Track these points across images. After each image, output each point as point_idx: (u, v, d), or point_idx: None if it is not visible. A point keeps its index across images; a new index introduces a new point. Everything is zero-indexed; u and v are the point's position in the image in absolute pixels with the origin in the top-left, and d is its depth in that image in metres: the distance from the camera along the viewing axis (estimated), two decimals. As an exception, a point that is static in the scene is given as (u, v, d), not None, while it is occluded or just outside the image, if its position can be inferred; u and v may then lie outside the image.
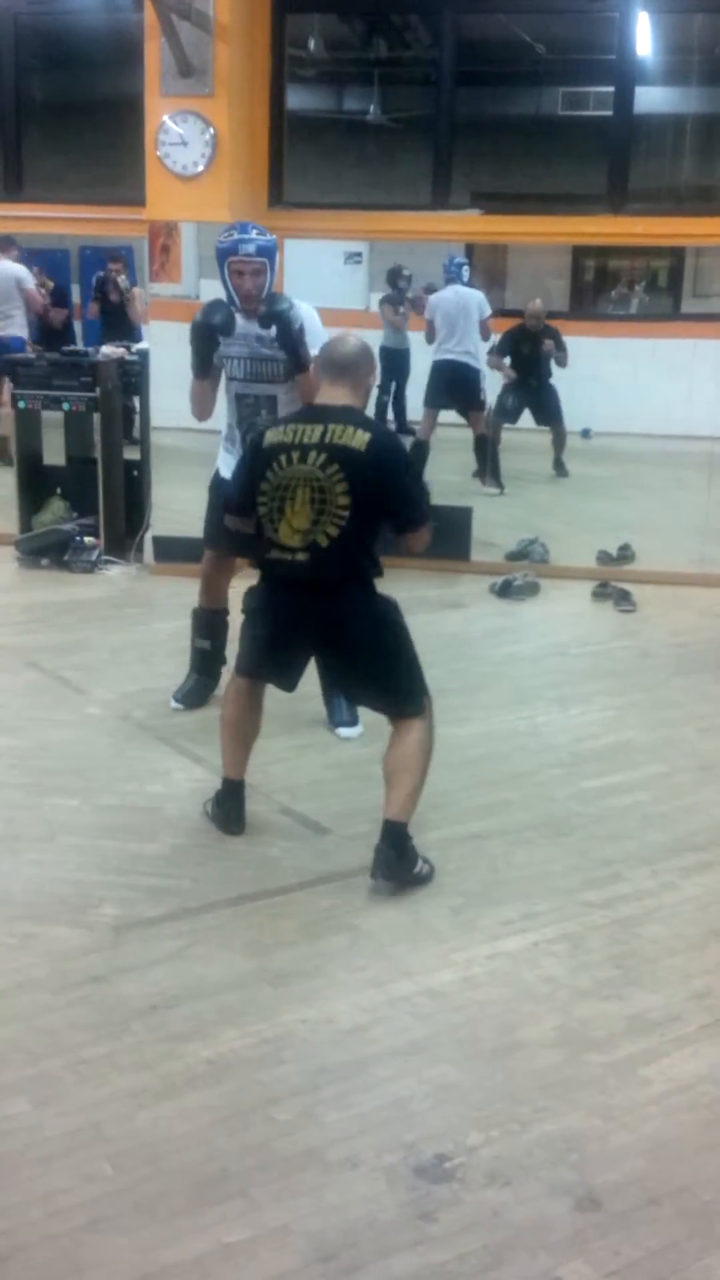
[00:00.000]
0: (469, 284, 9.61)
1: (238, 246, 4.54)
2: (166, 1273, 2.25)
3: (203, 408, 4.81)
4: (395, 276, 10.88)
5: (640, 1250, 2.32)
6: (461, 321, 9.33)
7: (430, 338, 9.42)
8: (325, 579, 3.58)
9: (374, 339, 10.03)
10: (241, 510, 3.79)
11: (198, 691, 5.10)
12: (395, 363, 10.68)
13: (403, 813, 3.67)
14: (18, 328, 9.26)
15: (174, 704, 5.09)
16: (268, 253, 4.56)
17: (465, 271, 9.62)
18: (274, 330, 4.54)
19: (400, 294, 10.94)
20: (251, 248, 4.52)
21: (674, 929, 3.51)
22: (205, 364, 4.67)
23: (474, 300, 9.43)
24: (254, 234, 4.57)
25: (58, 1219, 2.37)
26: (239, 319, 4.62)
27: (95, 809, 4.18)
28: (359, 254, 12.66)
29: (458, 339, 9.31)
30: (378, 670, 3.71)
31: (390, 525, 3.66)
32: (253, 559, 3.81)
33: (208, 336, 4.60)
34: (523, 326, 9.91)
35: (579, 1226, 2.38)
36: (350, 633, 3.65)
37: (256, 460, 3.66)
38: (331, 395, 3.66)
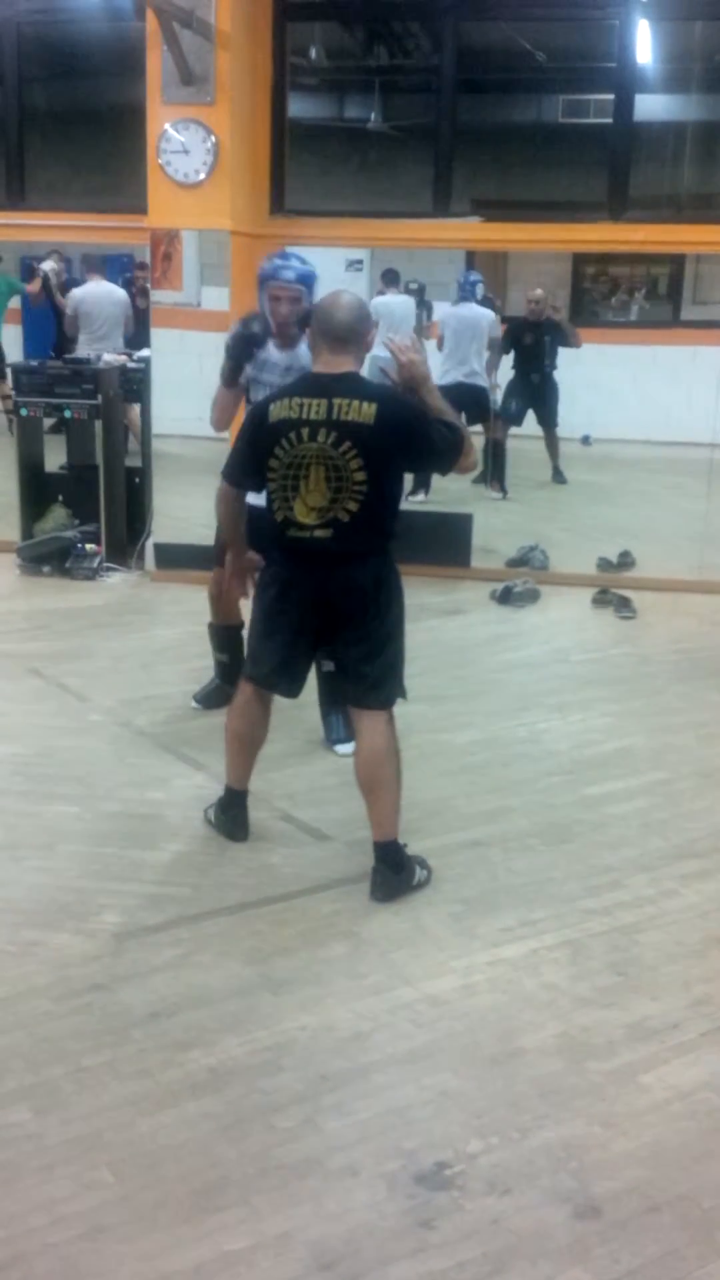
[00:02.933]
0: (483, 301, 9.65)
1: (278, 272, 4.55)
2: (167, 1280, 2.26)
3: (224, 417, 4.83)
4: (394, 279, 10.91)
5: (640, 1258, 2.33)
6: (467, 340, 9.37)
7: (440, 347, 9.47)
8: (351, 550, 3.53)
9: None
10: (235, 480, 3.75)
11: (217, 696, 5.11)
12: None
13: (391, 830, 3.67)
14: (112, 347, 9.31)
15: (194, 704, 5.13)
16: (307, 280, 4.56)
17: (479, 289, 9.66)
18: (300, 348, 4.54)
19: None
20: (291, 274, 4.54)
21: (674, 936, 3.51)
22: (237, 372, 4.68)
23: (485, 319, 9.48)
24: (295, 262, 4.59)
25: (59, 1227, 2.37)
26: (271, 347, 4.64)
27: (96, 816, 4.18)
28: (360, 261, 12.66)
29: (463, 359, 9.35)
30: (385, 643, 3.64)
31: (435, 470, 3.57)
32: (261, 544, 3.77)
33: (246, 345, 4.62)
34: (524, 318, 9.93)
35: (579, 1234, 2.39)
36: (372, 602, 3.59)
37: (260, 434, 3.57)
38: (333, 363, 3.53)
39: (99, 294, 9.61)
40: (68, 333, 9.91)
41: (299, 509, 3.51)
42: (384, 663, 3.66)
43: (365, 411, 3.44)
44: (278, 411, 3.53)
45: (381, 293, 10.20)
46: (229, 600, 5.00)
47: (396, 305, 9.95)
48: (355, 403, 3.44)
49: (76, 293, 9.74)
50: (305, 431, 3.47)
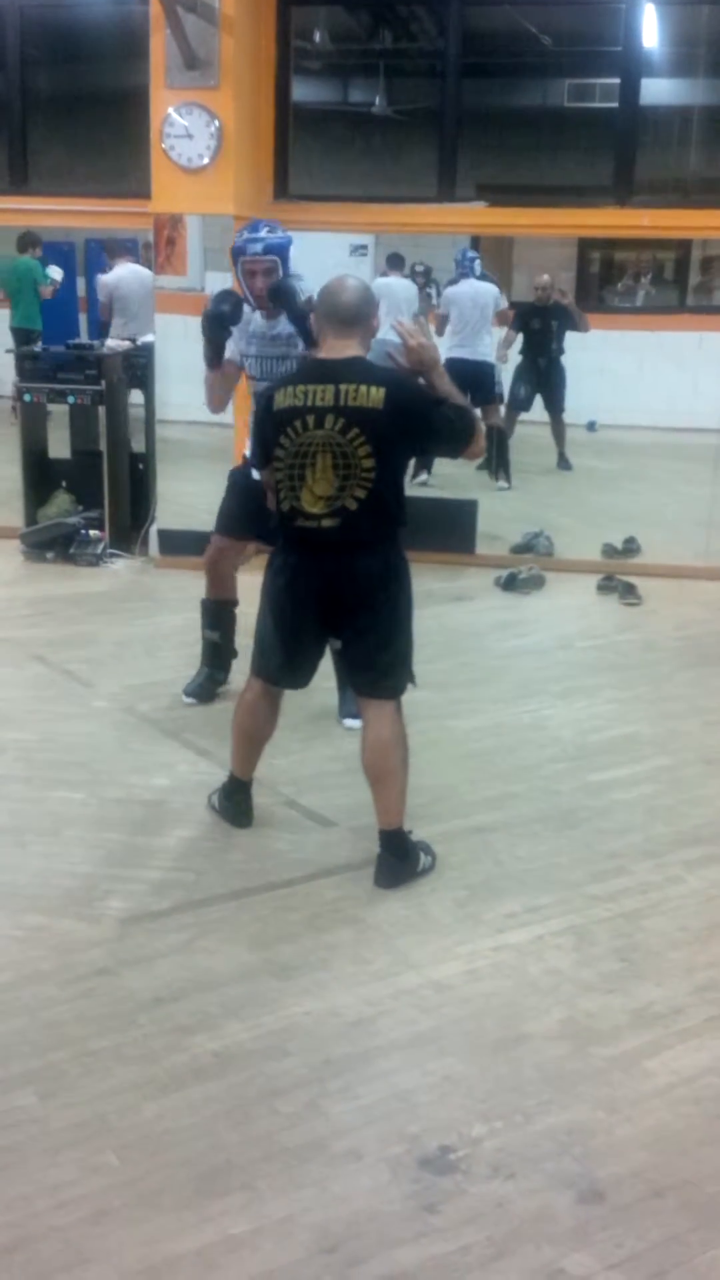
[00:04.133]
0: (482, 276, 9.60)
1: (246, 247, 4.55)
2: (171, 1264, 2.27)
3: (216, 399, 4.80)
4: (399, 264, 10.89)
5: (643, 1242, 2.33)
6: (475, 317, 9.33)
7: (440, 330, 9.43)
8: (359, 539, 3.49)
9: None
10: (266, 465, 3.68)
11: (207, 686, 5.11)
12: None
13: (396, 818, 3.67)
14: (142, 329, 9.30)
15: (186, 699, 5.09)
16: (277, 250, 4.55)
17: (477, 265, 9.62)
18: (283, 316, 4.54)
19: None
20: (259, 247, 4.53)
21: (678, 922, 3.51)
22: (217, 353, 4.64)
23: (489, 295, 9.45)
24: (264, 233, 4.57)
25: (64, 1210, 2.38)
26: (256, 318, 4.62)
27: (101, 802, 4.19)
28: (365, 246, 12.63)
29: (471, 336, 9.31)
30: (394, 631, 3.61)
31: (442, 454, 3.54)
32: (268, 536, 3.75)
33: (217, 324, 4.57)
34: (532, 303, 9.90)
35: (582, 1219, 2.39)
36: (381, 590, 3.56)
37: (267, 423, 3.55)
38: (339, 348, 3.49)
39: (130, 276, 9.57)
40: (103, 318, 9.88)
41: (306, 498, 3.46)
42: (394, 652, 3.64)
43: (374, 396, 3.38)
44: (282, 399, 3.49)
45: (384, 274, 10.19)
46: (223, 571, 4.99)
47: (398, 287, 9.96)
48: (363, 388, 3.39)
49: (109, 278, 9.69)
50: (311, 419, 3.42)
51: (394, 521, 3.56)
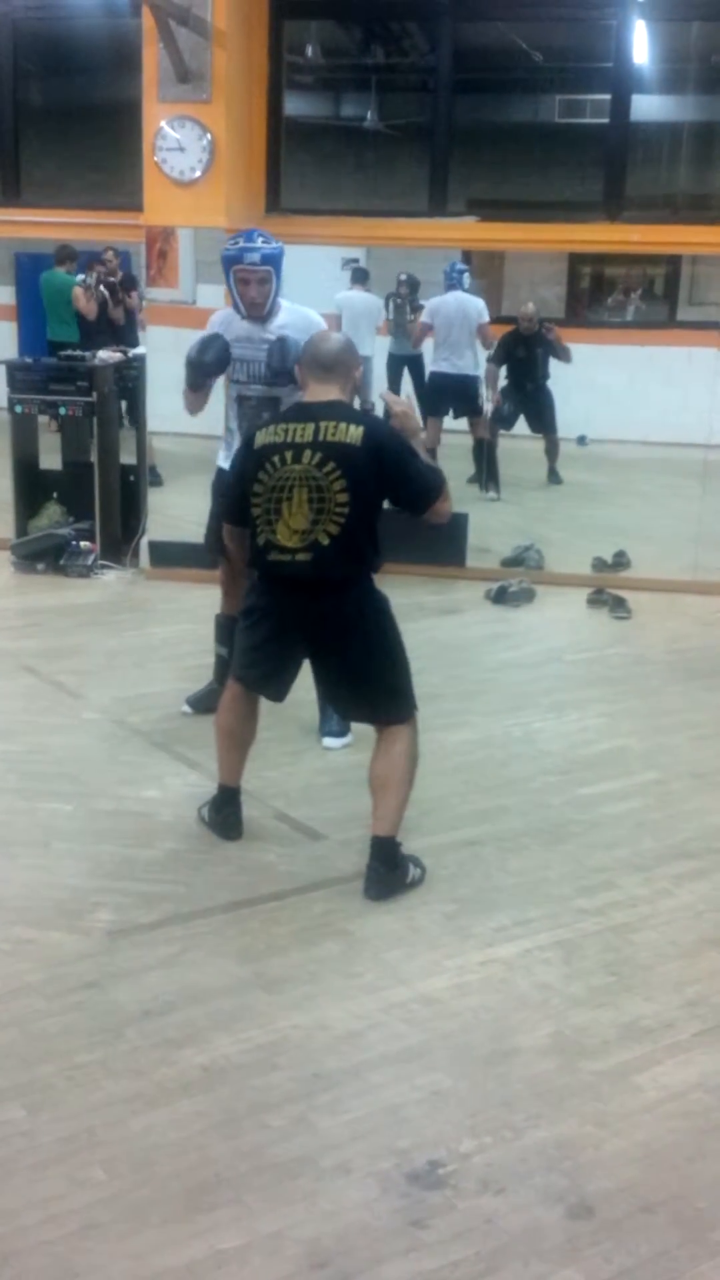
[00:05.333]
0: (469, 291, 9.64)
1: (242, 255, 4.57)
2: (160, 1278, 2.25)
3: (194, 408, 4.86)
4: (362, 278, 10.98)
5: (633, 1258, 2.33)
6: (459, 329, 9.36)
7: (418, 342, 9.49)
8: (329, 577, 3.55)
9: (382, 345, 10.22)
10: (234, 518, 3.78)
11: (208, 699, 5.10)
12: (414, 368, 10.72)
13: (392, 827, 3.68)
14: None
15: (184, 708, 5.09)
16: (272, 260, 4.58)
17: (466, 278, 9.66)
18: (270, 321, 4.59)
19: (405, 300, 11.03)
20: (256, 256, 4.55)
21: (668, 936, 3.52)
22: (196, 386, 4.73)
23: (474, 307, 9.47)
24: (259, 242, 4.59)
25: (51, 1225, 2.37)
26: (244, 324, 4.65)
27: (90, 814, 4.18)
28: (356, 260, 12.67)
29: (455, 349, 9.34)
30: (376, 671, 3.68)
31: (408, 509, 3.62)
32: (248, 562, 3.80)
33: (201, 373, 4.67)
34: (516, 331, 9.94)
35: (572, 1234, 2.39)
36: (355, 632, 3.63)
37: (247, 461, 3.64)
38: (320, 393, 3.63)
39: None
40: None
41: (281, 531, 3.53)
42: (385, 685, 3.71)
43: (353, 434, 3.49)
44: (263, 438, 3.61)
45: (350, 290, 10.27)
46: (238, 590, 4.98)
47: (358, 301, 10.02)
48: (342, 425, 3.51)
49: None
50: (289, 454, 3.51)
51: (364, 562, 3.62)
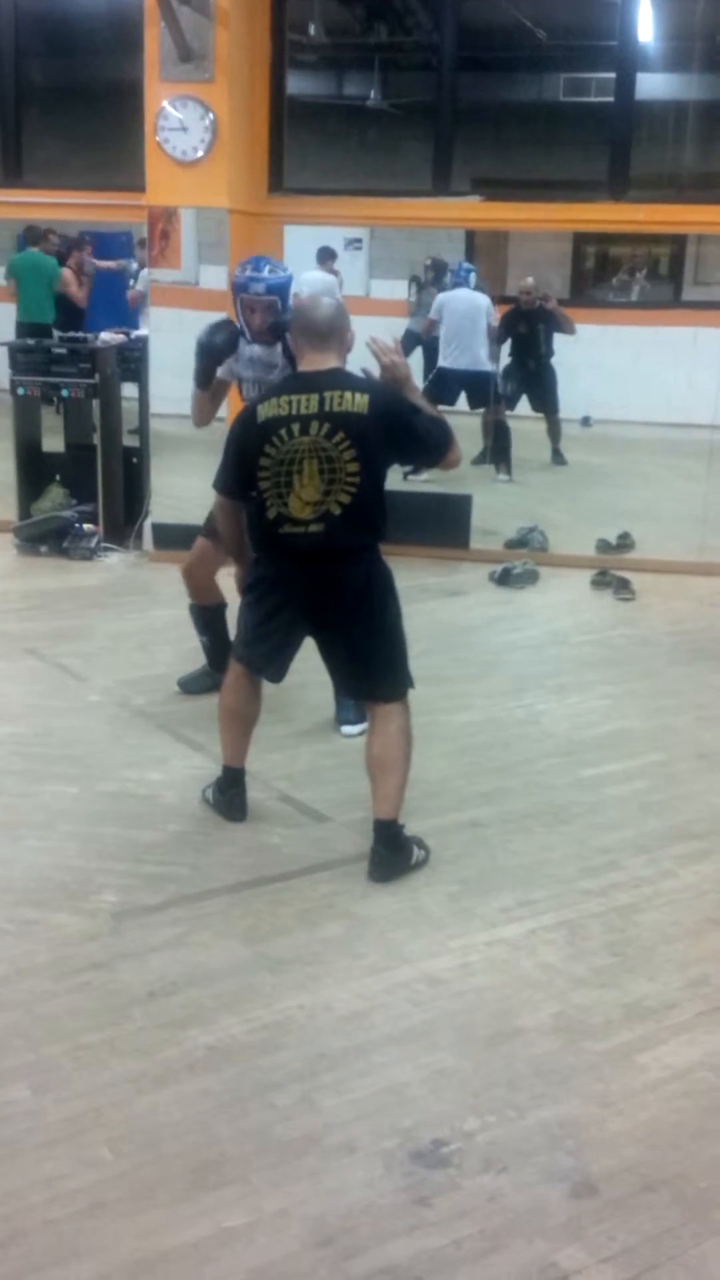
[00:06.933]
0: (477, 288, 9.65)
1: (249, 284, 4.55)
2: (166, 1257, 2.27)
3: (201, 416, 4.85)
4: (325, 256, 10.98)
5: (636, 1236, 2.34)
6: (468, 326, 9.37)
7: (428, 334, 9.48)
8: (343, 545, 3.55)
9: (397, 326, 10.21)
10: (233, 491, 3.74)
11: (199, 679, 5.11)
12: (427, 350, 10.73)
13: (394, 810, 3.69)
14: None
15: (176, 687, 5.12)
16: (278, 290, 4.56)
17: (473, 277, 9.68)
18: (279, 347, 4.55)
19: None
20: (261, 286, 4.54)
21: (671, 917, 3.52)
22: (207, 376, 4.69)
23: (483, 305, 9.48)
24: (266, 272, 4.57)
25: (57, 1204, 2.38)
26: (254, 347, 4.63)
27: (95, 796, 4.19)
28: (359, 240, 12.64)
29: (465, 346, 9.35)
30: (376, 644, 3.67)
31: (422, 462, 3.60)
32: (249, 542, 3.78)
33: (211, 356, 4.63)
34: (517, 307, 9.92)
35: (575, 1212, 2.40)
36: (362, 603, 3.62)
37: (250, 435, 3.58)
38: (318, 361, 3.57)
39: None
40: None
41: (294, 504, 3.51)
42: (386, 658, 3.70)
43: (358, 402, 3.47)
44: (266, 411, 3.55)
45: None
46: (202, 578, 4.98)
47: (316, 282, 10.01)
48: (347, 394, 3.48)
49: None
50: (296, 427, 3.48)
51: (375, 530, 3.62)
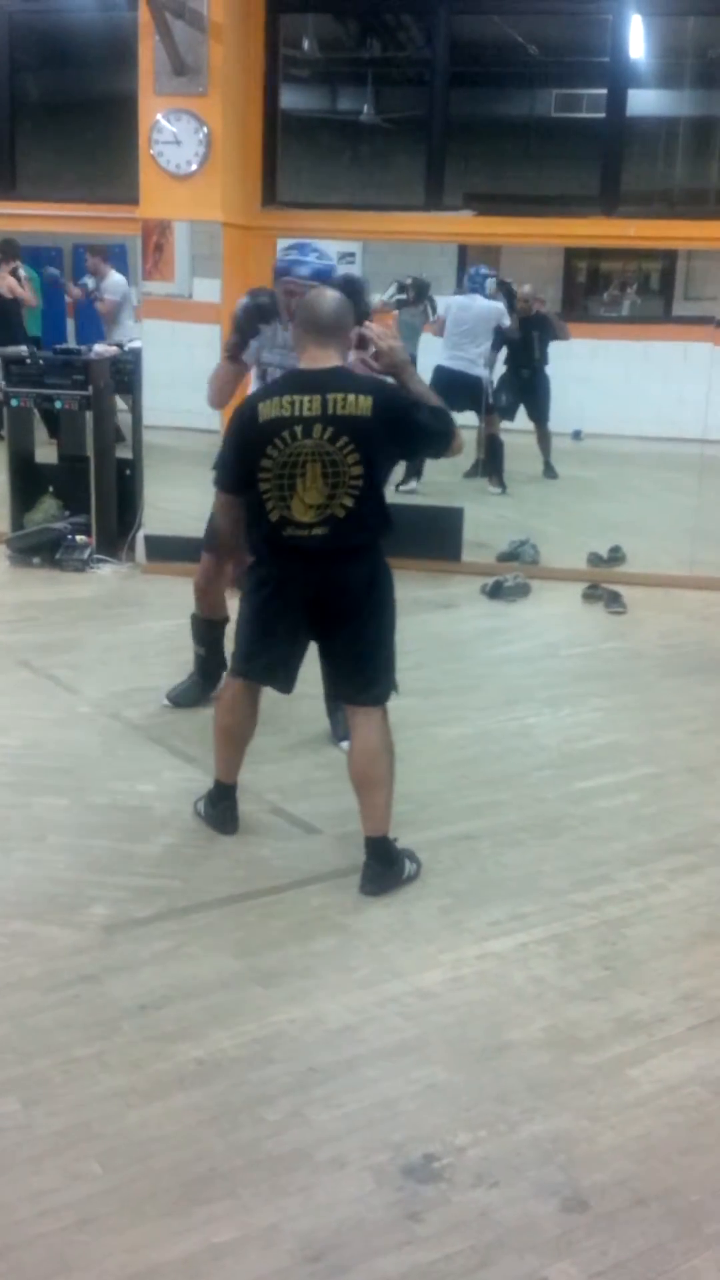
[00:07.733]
0: (491, 298, 9.62)
1: (292, 268, 4.44)
2: (155, 1272, 2.26)
3: (222, 394, 4.71)
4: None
5: (627, 1251, 2.34)
6: (481, 332, 9.36)
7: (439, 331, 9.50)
8: (349, 544, 3.53)
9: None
10: (235, 489, 3.65)
11: (191, 691, 5.10)
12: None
13: (383, 825, 3.68)
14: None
15: (164, 701, 5.09)
16: (322, 276, 4.40)
17: (489, 284, 9.63)
18: None
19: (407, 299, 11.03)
20: (305, 270, 4.40)
21: (662, 930, 3.52)
22: (242, 346, 4.55)
23: (494, 312, 9.48)
24: (312, 257, 4.44)
25: (47, 1218, 2.37)
26: (286, 333, 4.58)
27: (86, 808, 4.18)
28: (352, 254, 12.65)
29: (462, 345, 9.34)
30: (374, 643, 3.65)
31: (426, 455, 3.65)
32: (250, 545, 3.74)
33: (254, 317, 4.48)
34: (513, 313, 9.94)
35: (566, 1227, 2.39)
36: (363, 603, 3.61)
37: (250, 434, 3.52)
38: (320, 358, 3.52)
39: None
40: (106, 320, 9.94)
41: (297, 507, 3.48)
42: (379, 660, 3.68)
43: (361, 405, 3.42)
44: (267, 411, 3.48)
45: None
46: (215, 593, 4.98)
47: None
48: (350, 396, 3.42)
49: (120, 279, 9.76)
50: (299, 429, 3.43)
51: (379, 530, 3.60)
